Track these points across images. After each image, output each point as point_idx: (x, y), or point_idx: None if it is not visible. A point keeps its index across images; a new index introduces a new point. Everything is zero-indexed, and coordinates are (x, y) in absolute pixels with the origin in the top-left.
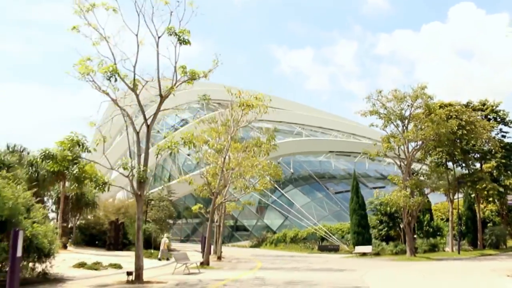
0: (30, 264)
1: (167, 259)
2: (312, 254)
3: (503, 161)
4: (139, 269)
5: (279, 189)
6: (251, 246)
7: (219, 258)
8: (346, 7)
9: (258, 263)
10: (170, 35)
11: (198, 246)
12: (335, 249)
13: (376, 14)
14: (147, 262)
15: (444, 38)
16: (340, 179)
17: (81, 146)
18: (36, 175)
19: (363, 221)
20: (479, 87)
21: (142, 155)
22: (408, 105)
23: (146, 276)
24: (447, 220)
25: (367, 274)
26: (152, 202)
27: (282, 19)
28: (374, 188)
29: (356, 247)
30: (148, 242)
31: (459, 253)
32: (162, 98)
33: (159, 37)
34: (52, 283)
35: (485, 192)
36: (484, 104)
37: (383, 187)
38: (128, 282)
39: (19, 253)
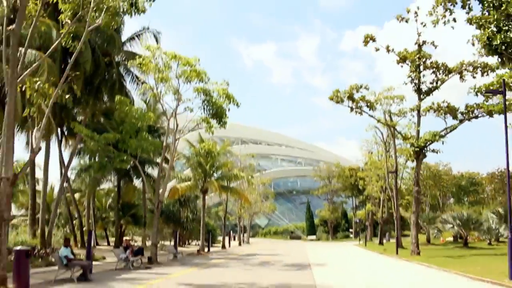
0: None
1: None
2: (287, 240)
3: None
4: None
5: None
6: (250, 237)
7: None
8: (307, 1)
9: (267, 243)
10: None
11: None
12: (299, 238)
13: (337, 10)
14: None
15: (405, 34)
16: (303, 193)
17: None
18: None
19: (312, 224)
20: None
21: None
22: (331, 172)
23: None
24: (356, 222)
25: (307, 244)
26: None
27: (243, 13)
28: (325, 199)
29: (308, 236)
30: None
31: (358, 239)
32: None
33: None
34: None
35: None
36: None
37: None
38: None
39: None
